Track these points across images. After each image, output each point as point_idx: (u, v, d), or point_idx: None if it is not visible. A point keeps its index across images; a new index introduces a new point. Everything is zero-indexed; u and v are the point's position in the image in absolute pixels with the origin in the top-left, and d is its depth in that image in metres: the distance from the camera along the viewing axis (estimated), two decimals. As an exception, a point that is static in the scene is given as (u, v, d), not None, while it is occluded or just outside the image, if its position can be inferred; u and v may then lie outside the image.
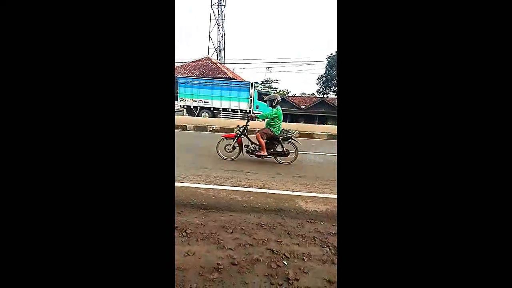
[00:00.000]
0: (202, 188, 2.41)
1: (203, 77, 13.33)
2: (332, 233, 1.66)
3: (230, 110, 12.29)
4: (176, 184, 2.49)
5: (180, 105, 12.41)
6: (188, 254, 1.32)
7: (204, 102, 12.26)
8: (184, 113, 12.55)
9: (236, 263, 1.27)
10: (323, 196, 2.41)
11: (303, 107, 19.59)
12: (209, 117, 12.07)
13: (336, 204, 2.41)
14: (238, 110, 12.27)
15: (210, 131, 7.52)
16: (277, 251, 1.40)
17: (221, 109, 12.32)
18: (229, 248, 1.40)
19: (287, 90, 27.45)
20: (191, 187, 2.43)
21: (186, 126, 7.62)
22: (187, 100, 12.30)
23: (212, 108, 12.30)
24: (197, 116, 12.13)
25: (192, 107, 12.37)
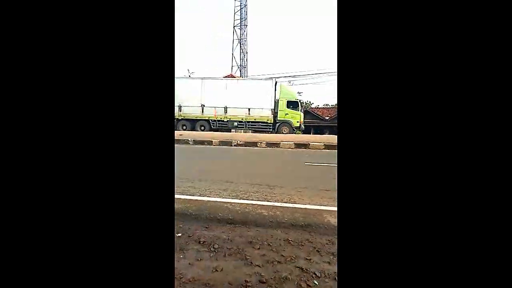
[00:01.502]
0: (228, 202, 2.43)
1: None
2: (366, 251, 1.55)
3: None
4: (202, 198, 2.54)
5: None
6: (216, 270, 1.32)
7: None
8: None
9: (265, 280, 1.24)
10: (354, 211, 2.28)
11: (327, 118, 19.18)
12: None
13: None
14: None
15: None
16: (306, 270, 1.34)
17: None
18: (257, 265, 1.37)
19: (310, 102, 27.20)
20: (217, 201, 2.46)
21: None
22: None
23: None
24: None
25: None
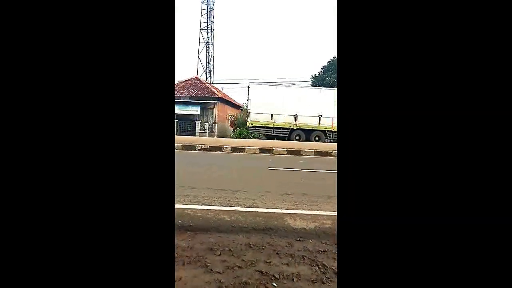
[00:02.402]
0: (190, 208, 2.36)
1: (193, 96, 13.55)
2: (321, 251, 1.65)
3: None
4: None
5: None
6: (174, 280, 1.27)
7: None
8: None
9: (224, 287, 1.23)
10: (312, 213, 2.41)
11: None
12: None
13: (324, 221, 2.39)
14: None
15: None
16: (266, 273, 1.37)
17: None
18: (217, 272, 1.36)
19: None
20: (178, 208, 2.37)
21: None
22: None
23: None
24: None
25: None
